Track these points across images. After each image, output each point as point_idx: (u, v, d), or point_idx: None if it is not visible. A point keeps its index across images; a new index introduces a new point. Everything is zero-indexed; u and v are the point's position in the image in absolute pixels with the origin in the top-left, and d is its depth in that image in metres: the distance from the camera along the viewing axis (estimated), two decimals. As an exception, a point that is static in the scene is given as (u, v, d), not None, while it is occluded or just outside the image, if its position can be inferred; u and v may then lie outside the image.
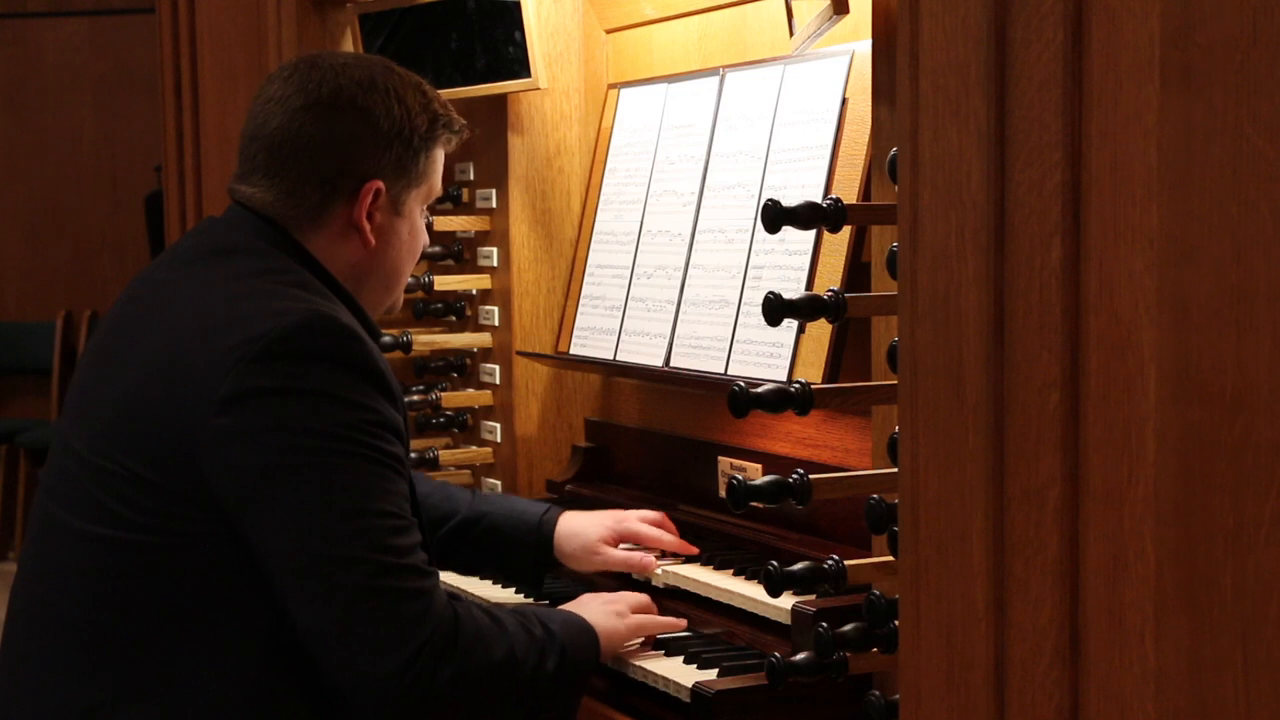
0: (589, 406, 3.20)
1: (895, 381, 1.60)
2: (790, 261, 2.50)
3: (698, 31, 2.96)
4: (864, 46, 2.37)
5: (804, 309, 1.95)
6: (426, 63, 3.12)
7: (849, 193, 2.40)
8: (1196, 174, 1.26)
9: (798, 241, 2.48)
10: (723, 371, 2.60)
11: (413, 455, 2.92)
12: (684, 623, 2.44)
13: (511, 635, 2.11)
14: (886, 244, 1.98)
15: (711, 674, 2.25)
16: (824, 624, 1.94)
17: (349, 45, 3.33)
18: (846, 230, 2.33)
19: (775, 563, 1.99)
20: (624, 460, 3.05)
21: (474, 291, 3.27)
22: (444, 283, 3.22)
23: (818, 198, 2.14)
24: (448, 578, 2.83)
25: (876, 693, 1.88)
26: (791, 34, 2.32)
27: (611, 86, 3.13)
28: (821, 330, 2.39)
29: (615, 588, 2.55)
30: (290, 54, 3.32)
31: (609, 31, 3.17)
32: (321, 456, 1.99)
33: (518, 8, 2.99)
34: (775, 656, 1.99)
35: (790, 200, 1.95)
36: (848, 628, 1.94)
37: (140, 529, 2.03)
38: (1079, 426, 1.38)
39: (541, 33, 3.06)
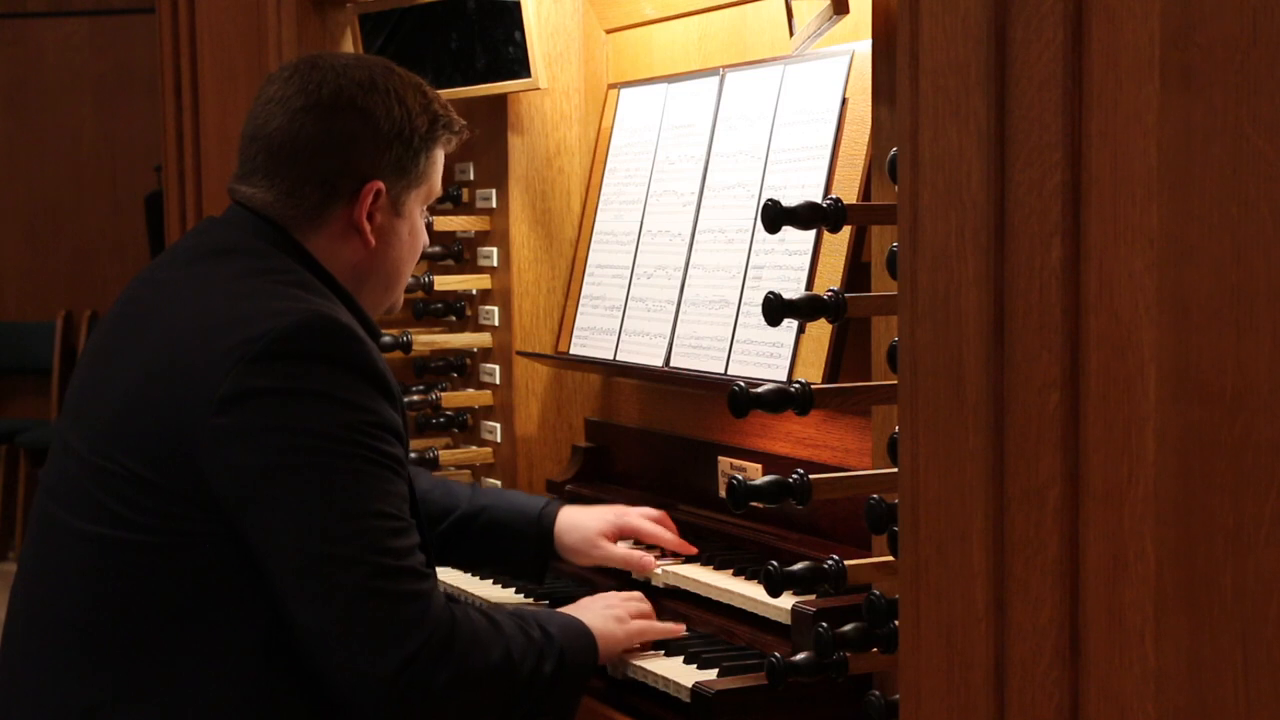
0: (589, 406, 3.20)
1: (895, 381, 1.60)
2: (790, 261, 2.50)
3: (698, 31, 2.96)
4: (864, 46, 2.37)
5: (804, 309, 1.95)
6: (426, 63, 3.12)
7: (849, 193, 2.40)
8: (1196, 174, 1.26)
9: (798, 241, 2.48)
10: (723, 371, 2.60)
11: (413, 455, 2.92)
12: (683, 628, 2.45)
13: (509, 638, 2.11)
14: (886, 244, 1.98)
15: (711, 674, 2.25)
16: (824, 624, 1.94)
17: (349, 45, 3.33)
18: (846, 230, 2.33)
19: (775, 563, 1.99)
20: (624, 460, 3.05)
21: (474, 291, 3.27)
22: (444, 283, 3.22)
23: (818, 198, 2.14)
24: (450, 578, 2.84)
25: (876, 693, 1.88)
26: (791, 34, 2.32)
27: (611, 86, 3.14)
28: (821, 330, 2.39)
29: (615, 588, 2.55)
30: (290, 54, 3.32)
31: (609, 31, 3.17)
32: (321, 457, 1.99)
33: (518, 8, 2.99)
34: (775, 656, 1.99)
35: (790, 200, 1.95)
36: (848, 628, 1.94)
37: (140, 529, 2.02)
38: (1079, 426, 1.38)
39: (541, 33, 3.06)
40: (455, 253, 3.31)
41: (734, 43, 2.87)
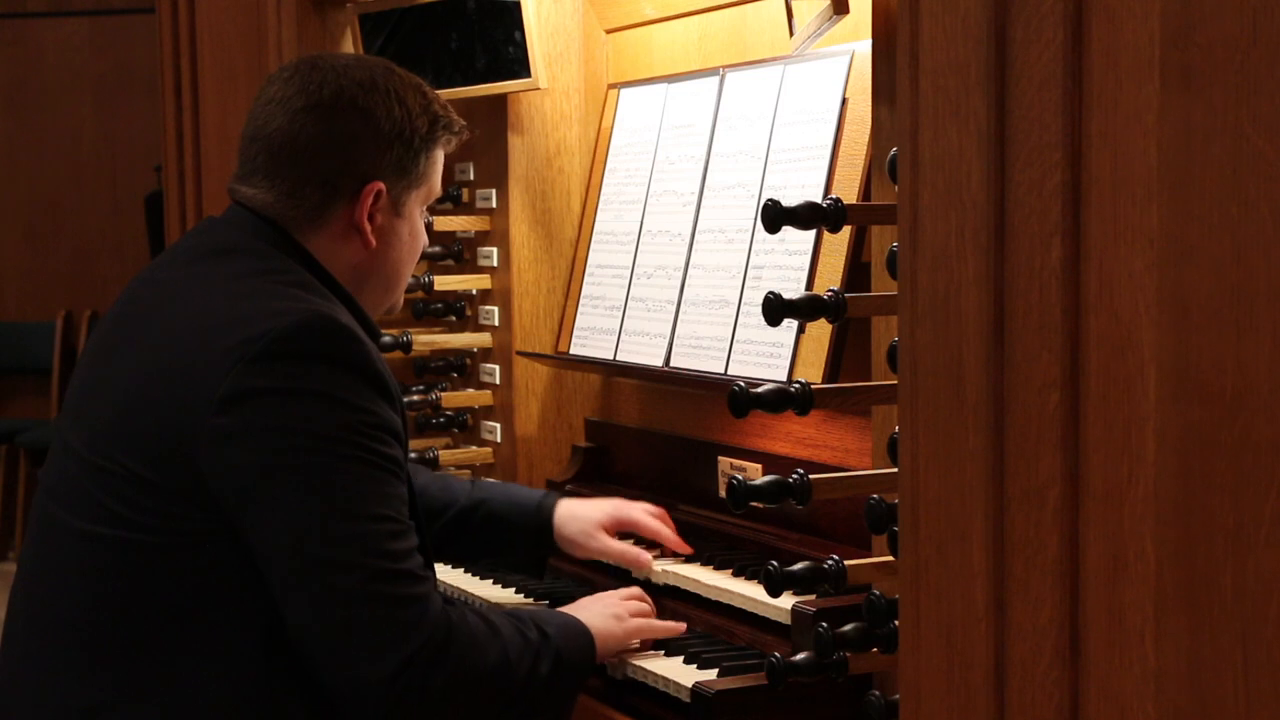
0: (589, 406, 3.20)
1: (895, 381, 1.61)
2: (790, 261, 2.50)
3: (698, 31, 2.96)
4: (864, 46, 2.37)
5: (804, 309, 1.95)
6: (426, 63, 3.12)
7: (849, 193, 2.41)
8: (1196, 174, 1.26)
9: (798, 241, 2.48)
10: (723, 371, 2.60)
11: (412, 455, 2.92)
12: (683, 626, 2.44)
13: (506, 640, 2.11)
14: (886, 244, 1.98)
15: (711, 674, 2.25)
16: (824, 624, 1.94)
17: (349, 45, 3.33)
18: (846, 230, 2.33)
19: (775, 563, 1.99)
20: (624, 460, 3.05)
21: (474, 291, 3.27)
22: (444, 283, 3.22)
23: (818, 198, 2.14)
24: (450, 578, 2.84)
25: (876, 693, 1.88)
26: (791, 34, 2.32)
27: (611, 86, 3.14)
28: (821, 330, 2.39)
29: (616, 588, 2.55)
30: (290, 54, 3.32)
31: (609, 31, 3.17)
32: (320, 458, 1.99)
33: (518, 8, 2.99)
34: (775, 656, 1.99)
35: (790, 200, 1.95)
36: (848, 628, 1.94)
37: (140, 529, 2.03)
38: (1079, 426, 1.38)
39: (541, 33, 3.06)
40: (455, 253, 3.31)
41: (734, 43, 2.87)
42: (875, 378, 2.08)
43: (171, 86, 4.10)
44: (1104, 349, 1.35)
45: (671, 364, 2.75)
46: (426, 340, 3.26)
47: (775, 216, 1.92)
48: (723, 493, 2.48)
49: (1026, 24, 1.41)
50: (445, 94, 2.49)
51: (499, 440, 3.23)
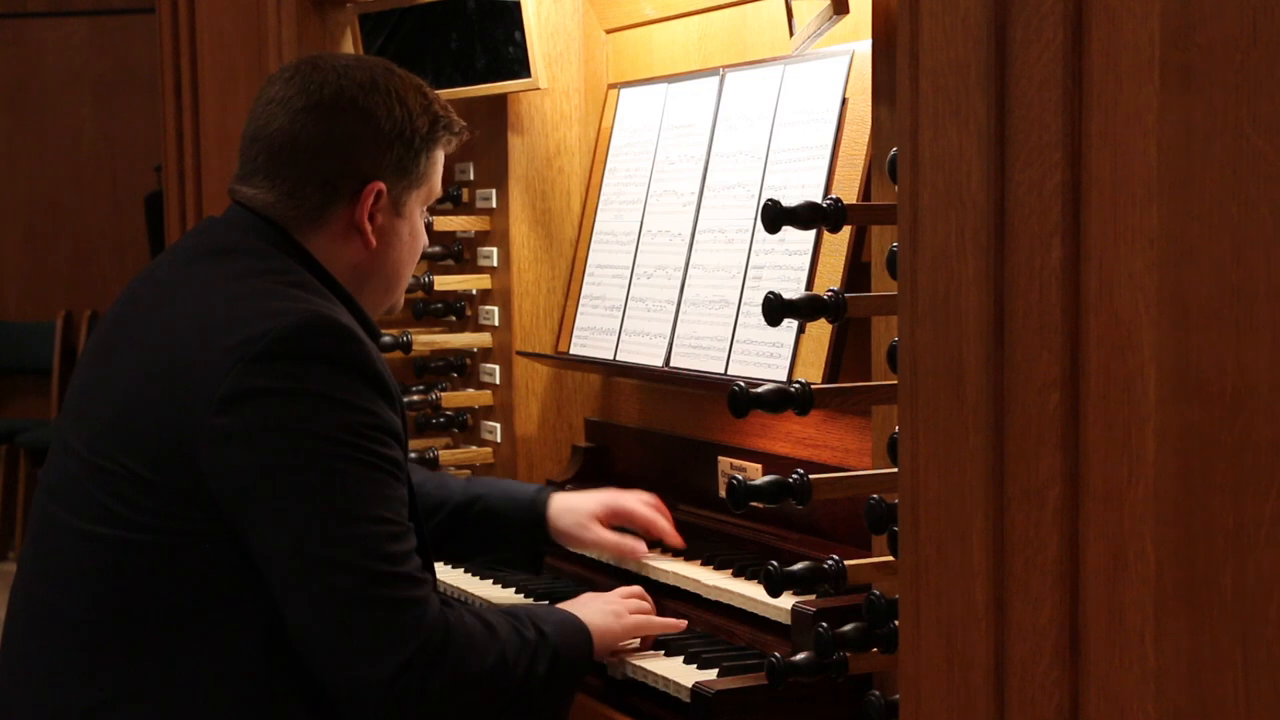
0: (589, 406, 3.20)
1: (895, 381, 1.61)
2: (790, 261, 2.50)
3: (698, 31, 2.96)
4: (864, 46, 2.37)
5: (804, 309, 1.95)
6: (426, 63, 3.12)
7: (849, 193, 2.40)
8: (1196, 174, 1.26)
9: (798, 241, 2.48)
10: (723, 371, 2.60)
11: (412, 455, 2.92)
12: (684, 623, 2.44)
13: (503, 640, 2.12)
14: (886, 244, 1.98)
15: (711, 674, 2.25)
16: (824, 624, 1.94)
17: (349, 45, 3.33)
18: (846, 230, 2.33)
19: (775, 563, 1.99)
20: (624, 460, 3.05)
21: (474, 291, 3.27)
22: (444, 283, 3.22)
23: (818, 198, 2.14)
24: (450, 578, 2.84)
25: (876, 693, 1.88)
26: (791, 34, 2.32)
27: (611, 86, 3.14)
28: (821, 330, 2.39)
29: (616, 586, 2.55)
30: (290, 54, 3.32)
31: (609, 31, 3.17)
32: (320, 459, 1.99)
33: (518, 8, 2.99)
34: (775, 656, 1.99)
35: (790, 200, 1.95)
36: (848, 628, 1.94)
37: (140, 529, 2.03)
38: (1079, 426, 1.38)
39: (541, 33, 3.06)
40: (455, 253, 3.31)
41: (734, 43, 2.87)
42: (875, 378, 2.08)
43: (171, 86, 4.10)
44: (1104, 349, 1.35)
45: (671, 364, 2.75)
46: (426, 340, 3.26)
47: (775, 216, 1.92)
48: (723, 493, 2.48)
49: (1026, 24, 1.41)
50: (445, 94, 2.49)
51: (499, 440, 3.23)
